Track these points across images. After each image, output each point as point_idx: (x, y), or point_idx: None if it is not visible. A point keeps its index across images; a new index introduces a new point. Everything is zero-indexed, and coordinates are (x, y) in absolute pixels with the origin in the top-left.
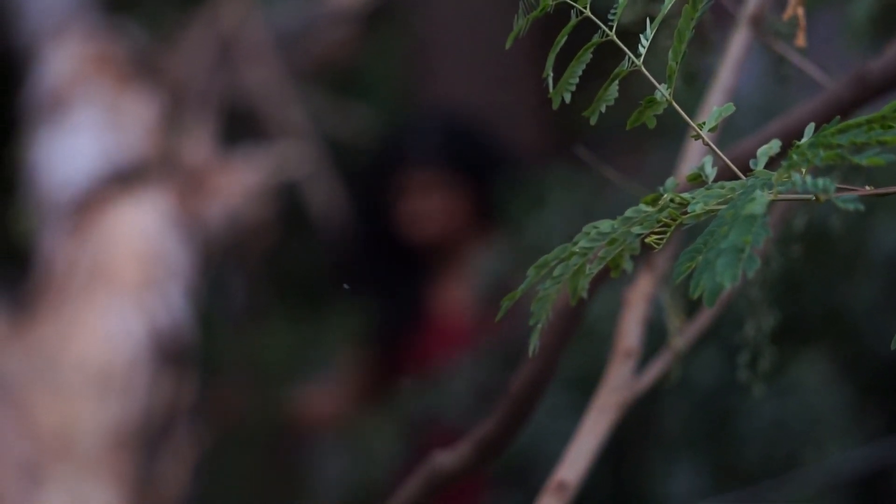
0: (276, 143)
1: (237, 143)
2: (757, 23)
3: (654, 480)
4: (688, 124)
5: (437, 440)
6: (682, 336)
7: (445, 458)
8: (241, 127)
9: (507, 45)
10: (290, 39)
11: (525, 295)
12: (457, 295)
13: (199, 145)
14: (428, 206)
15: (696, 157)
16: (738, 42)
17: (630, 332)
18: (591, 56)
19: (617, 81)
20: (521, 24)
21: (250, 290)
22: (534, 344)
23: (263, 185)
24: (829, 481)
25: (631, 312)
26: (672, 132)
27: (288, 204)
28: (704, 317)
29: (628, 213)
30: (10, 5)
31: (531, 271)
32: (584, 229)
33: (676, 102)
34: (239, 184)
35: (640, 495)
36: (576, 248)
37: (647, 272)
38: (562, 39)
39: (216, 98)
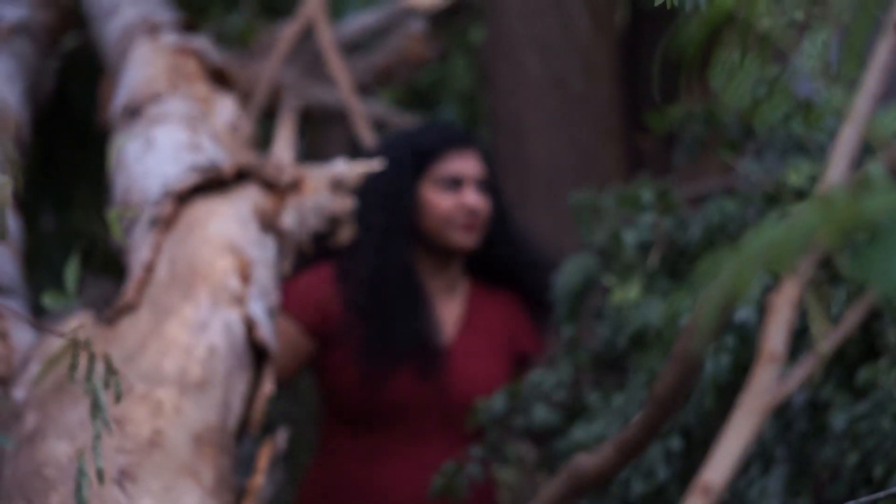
0: (349, 147)
1: (314, 146)
2: None
3: (727, 488)
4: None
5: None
6: (827, 341)
7: (587, 460)
8: (318, 130)
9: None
10: (360, 47)
11: (594, 305)
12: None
13: (278, 148)
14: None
15: (840, 161)
16: (884, 48)
17: (775, 336)
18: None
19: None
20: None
21: None
22: (702, 342)
23: (339, 186)
24: None
25: (776, 317)
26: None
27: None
28: (848, 321)
29: (797, 214)
30: (95, 13)
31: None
32: (752, 232)
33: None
34: (316, 186)
35: None
36: (743, 251)
37: (792, 277)
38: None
39: (295, 103)
